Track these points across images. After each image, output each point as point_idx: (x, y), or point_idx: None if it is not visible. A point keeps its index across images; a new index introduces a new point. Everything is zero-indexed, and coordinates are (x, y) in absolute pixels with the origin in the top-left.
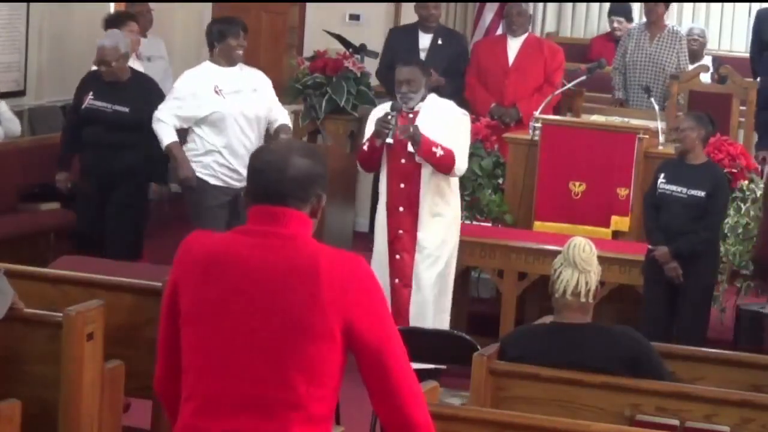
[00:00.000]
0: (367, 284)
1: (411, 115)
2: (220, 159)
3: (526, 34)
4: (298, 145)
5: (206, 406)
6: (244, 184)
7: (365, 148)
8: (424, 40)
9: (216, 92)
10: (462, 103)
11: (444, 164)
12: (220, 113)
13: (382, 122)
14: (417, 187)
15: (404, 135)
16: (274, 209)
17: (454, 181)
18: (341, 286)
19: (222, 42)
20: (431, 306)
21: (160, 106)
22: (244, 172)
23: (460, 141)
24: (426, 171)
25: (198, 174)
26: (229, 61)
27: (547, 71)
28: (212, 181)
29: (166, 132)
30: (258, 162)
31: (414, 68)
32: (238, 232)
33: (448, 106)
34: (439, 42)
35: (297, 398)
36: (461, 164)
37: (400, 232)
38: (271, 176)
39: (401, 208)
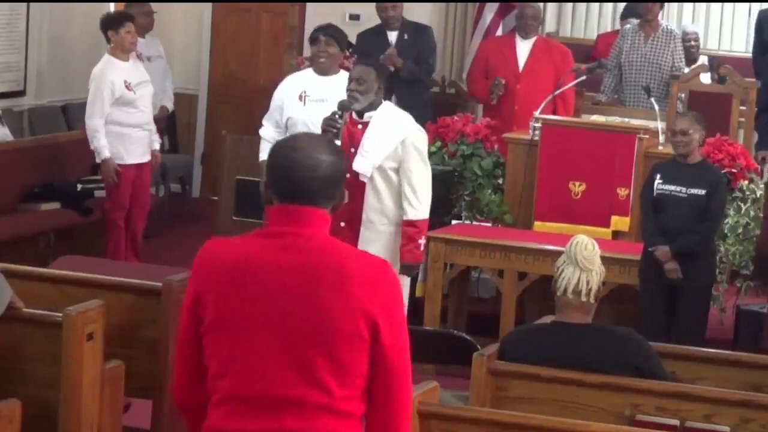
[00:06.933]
0: (394, 289)
1: (360, 126)
2: None
3: (535, 37)
4: (322, 142)
5: (237, 408)
6: None
7: None
8: (392, 38)
9: (300, 99)
10: (425, 90)
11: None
12: (293, 119)
13: (329, 121)
14: (360, 203)
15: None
16: (299, 209)
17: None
18: (370, 288)
19: (311, 48)
20: None
21: (264, 119)
22: None
23: (417, 174)
24: (370, 188)
25: None
26: (314, 68)
27: (558, 75)
28: None
29: (262, 148)
30: (285, 160)
31: (368, 68)
32: (260, 235)
33: (403, 121)
34: (405, 37)
35: (327, 399)
36: (424, 206)
37: None
38: (302, 175)
39: (342, 224)
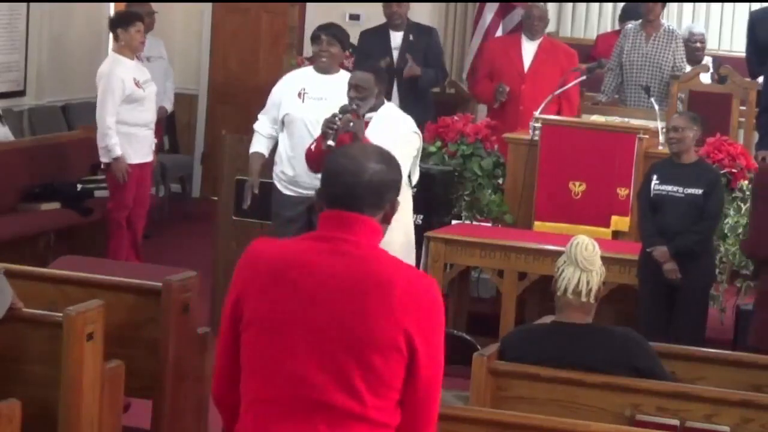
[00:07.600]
0: (436, 311)
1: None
2: (283, 166)
3: (541, 38)
4: (374, 150)
5: (270, 411)
6: (310, 192)
7: (313, 147)
8: (396, 39)
9: (299, 96)
10: (435, 94)
11: None
12: (290, 116)
13: (328, 123)
14: None
15: (346, 128)
16: (347, 215)
17: (405, 199)
18: (414, 303)
19: (312, 47)
20: None
21: (260, 113)
22: (306, 179)
23: (400, 154)
24: None
25: (275, 182)
26: (314, 66)
27: (563, 76)
28: (284, 190)
29: (254, 141)
30: (334, 166)
31: (367, 75)
32: (309, 238)
33: (403, 121)
34: (411, 38)
35: (360, 407)
36: None
37: None
38: (347, 181)
39: None
